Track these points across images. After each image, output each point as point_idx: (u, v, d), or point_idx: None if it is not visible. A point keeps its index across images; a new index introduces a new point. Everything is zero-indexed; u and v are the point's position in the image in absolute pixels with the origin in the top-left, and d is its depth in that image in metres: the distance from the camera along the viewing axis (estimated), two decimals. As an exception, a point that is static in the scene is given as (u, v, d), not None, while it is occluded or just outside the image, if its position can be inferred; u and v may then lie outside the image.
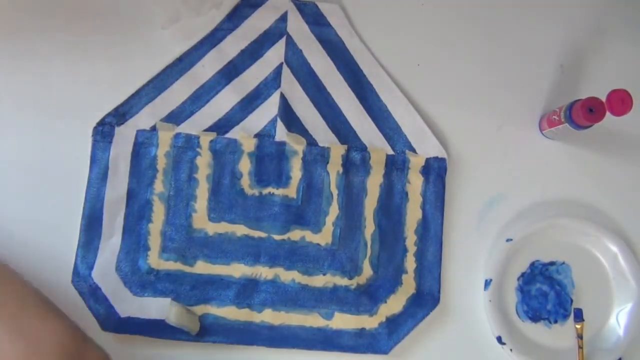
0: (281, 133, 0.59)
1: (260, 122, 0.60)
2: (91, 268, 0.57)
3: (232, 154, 0.59)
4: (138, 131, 0.59)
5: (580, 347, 0.57)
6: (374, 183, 0.59)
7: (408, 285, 0.58)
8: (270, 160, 0.59)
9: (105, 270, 0.57)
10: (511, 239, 0.58)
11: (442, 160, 0.60)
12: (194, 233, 0.58)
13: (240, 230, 0.58)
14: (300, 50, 0.61)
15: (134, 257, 0.57)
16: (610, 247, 0.58)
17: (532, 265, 0.59)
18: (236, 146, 0.59)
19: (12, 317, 0.44)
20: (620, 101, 0.51)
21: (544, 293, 0.58)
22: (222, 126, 0.60)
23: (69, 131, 0.59)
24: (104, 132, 0.59)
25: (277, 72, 0.61)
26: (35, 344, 0.43)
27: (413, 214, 0.59)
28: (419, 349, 0.58)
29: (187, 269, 0.58)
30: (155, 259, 0.57)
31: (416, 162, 0.60)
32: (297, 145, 0.59)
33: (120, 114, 0.59)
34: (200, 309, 0.57)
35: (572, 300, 0.58)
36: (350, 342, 0.57)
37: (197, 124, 0.60)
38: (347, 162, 0.59)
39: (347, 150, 0.60)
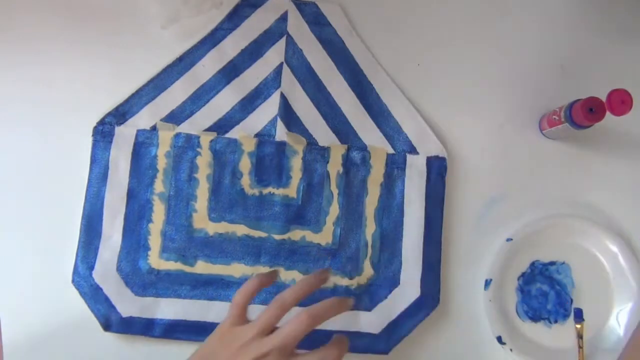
0: (281, 133, 0.59)
1: (261, 121, 0.60)
2: (91, 268, 0.57)
3: (232, 154, 0.59)
4: (138, 131, 0.59)
5: (580, 347, 0.57)
6: (375, 182, 0.59)
7: (408, 285, 0.58)
8: (270, 160, 0.59)
9: (106, 270, 0.57)
10: (511, 239, 0.58)
11: (443, 159, 0.60)
12: (195, 233, 0.58)
13: (241, 230, 0.58)
14: (301, 50, 0.61)
15: (135, 257, 0.57)
16: (610, 247, 0.58)
17: (532, 265, 0.59)
18: (236, 146, 0.59)
19: None
20: (620, 101, 0.51)
21: (544, 293, 0.58)
22: (222, 126, 0.60)
23: (69, 131, 0.59)
24: (104, 131, 0.59)
25: (277, 71, 0.61)
26: None
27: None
28: (419, 349, 0.58)
29: (187, 268, 0.57)
30: (155, 259, 0.57)
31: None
32: (297, 145, 0.59)
33: (121, 114, 0.59)
34: (200, 309, 0.57)
35: (572, 300, 0.58)
36: (350, 342, 0.57)
37: (197, 123, 0.60)
38: (347, 162, 0.59)
39: (348, 150, 0.60)
